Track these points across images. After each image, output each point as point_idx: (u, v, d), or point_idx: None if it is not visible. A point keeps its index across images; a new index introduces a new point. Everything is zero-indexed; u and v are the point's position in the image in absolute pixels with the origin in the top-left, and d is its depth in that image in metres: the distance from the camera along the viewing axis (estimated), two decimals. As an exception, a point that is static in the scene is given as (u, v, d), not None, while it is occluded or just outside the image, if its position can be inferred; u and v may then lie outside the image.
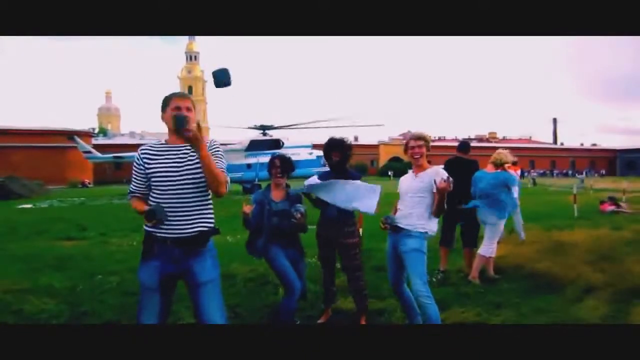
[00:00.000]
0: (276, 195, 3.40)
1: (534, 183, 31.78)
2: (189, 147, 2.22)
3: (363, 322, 3.55)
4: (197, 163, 2.20)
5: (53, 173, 40.28)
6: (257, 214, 3.30)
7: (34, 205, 17.56)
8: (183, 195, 2.19)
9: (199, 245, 2.23)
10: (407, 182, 3.25)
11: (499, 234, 5.01)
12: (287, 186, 3.49)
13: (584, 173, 44.99)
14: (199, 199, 2.23)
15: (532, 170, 53.60)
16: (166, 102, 2.27)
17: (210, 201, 2.31)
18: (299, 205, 3.29)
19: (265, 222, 3.29)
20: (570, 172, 65.29)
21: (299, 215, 3.19)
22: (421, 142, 3.16)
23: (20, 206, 16.80)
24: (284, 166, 3.38)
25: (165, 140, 2.32)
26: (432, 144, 3.24)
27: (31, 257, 6.25)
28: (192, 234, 2.20)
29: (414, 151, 3.16)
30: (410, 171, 3.30)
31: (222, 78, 2.33)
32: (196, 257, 2.23)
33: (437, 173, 3.09)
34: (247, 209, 3.16)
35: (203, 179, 2.20)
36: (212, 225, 2.31)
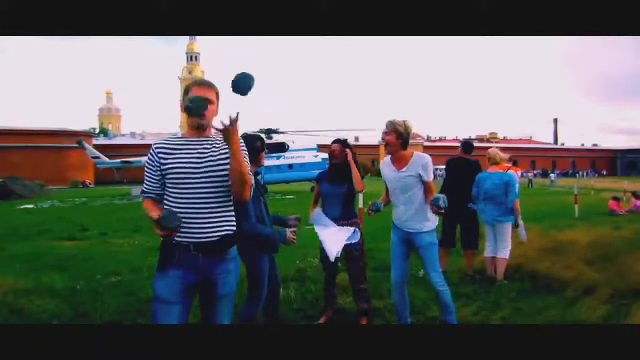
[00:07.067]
0: None
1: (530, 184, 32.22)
2: (210, 141, 2.01)
3: (363, 322, 3.54)
4: (219, 159, 1.98)
5: (54, 173, 40.38)
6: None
7: (35, 205, 17.61)
8: (204, 194, 1.96)
9: (223, 251, 2.02)
10: (392, 175, 3.11)
11: (510, 233, 4.94)
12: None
13: (556, 174, 47.49)
14: (221, 198, 2.00)
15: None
16: (186, 91, 2.04)
17: (232, 201, 2.07)
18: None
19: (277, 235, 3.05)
20: (570, 172, 65.36)
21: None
22: (387, 130, 3.02)
23: (22, 206, 16.83)
24: None
25: (183, 134, 2.08)
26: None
27: (32, 257, 6.27)
28: (215, 238, 1.98)
29: (383, 139, 3.06)
30: (389, 159, 3.16)
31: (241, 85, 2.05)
32: (221, 266, 2.02)
33: (421, 166, 3.00)
34: None
35: (226, 177, 1.97)
36: (234, 228, 2.07)
